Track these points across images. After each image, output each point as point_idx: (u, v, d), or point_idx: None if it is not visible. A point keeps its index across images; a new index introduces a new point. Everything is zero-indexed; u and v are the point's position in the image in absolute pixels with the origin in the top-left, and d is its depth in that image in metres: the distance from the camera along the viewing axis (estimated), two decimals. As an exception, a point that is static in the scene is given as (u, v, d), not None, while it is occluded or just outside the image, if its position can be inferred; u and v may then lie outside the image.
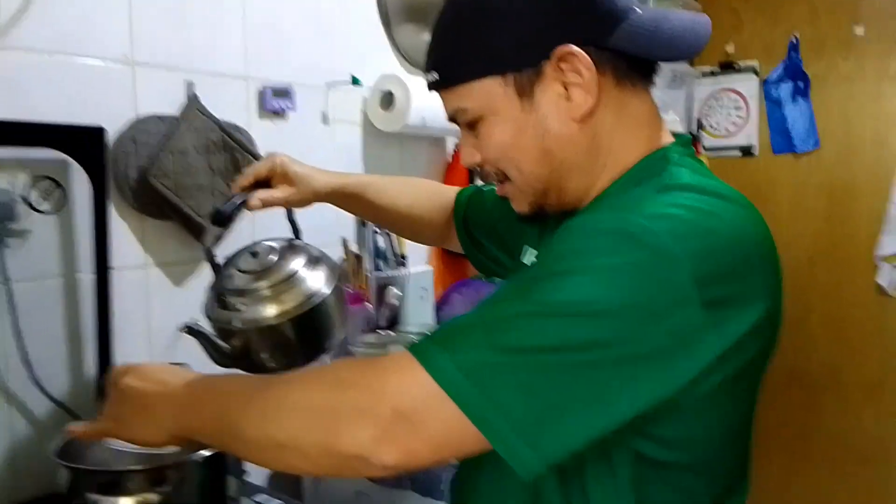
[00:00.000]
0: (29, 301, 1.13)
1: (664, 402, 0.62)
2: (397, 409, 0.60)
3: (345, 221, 1.64)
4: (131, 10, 1.26)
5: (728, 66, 2.97)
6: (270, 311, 0.90)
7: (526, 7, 0.70)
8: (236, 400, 0.71)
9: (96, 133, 1.16)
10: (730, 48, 2.94)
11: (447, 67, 0.76)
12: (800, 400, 2.87)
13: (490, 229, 1.07)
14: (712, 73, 3.01)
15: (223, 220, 0.93)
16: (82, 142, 1.15)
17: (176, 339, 1.32)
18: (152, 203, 1.28)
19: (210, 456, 0.95)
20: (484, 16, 0.72)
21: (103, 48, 1.23)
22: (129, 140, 1.24)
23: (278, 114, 1.55)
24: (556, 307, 0.60)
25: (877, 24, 2.66)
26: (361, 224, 1.72)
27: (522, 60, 0.72)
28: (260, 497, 1.20)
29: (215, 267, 0.94)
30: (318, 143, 1.65)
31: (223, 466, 1.01)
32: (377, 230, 1.74)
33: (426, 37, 0.79)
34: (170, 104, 1.32)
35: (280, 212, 1.04)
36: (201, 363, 0.90)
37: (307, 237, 1.04)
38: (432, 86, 0.79)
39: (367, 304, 1.68)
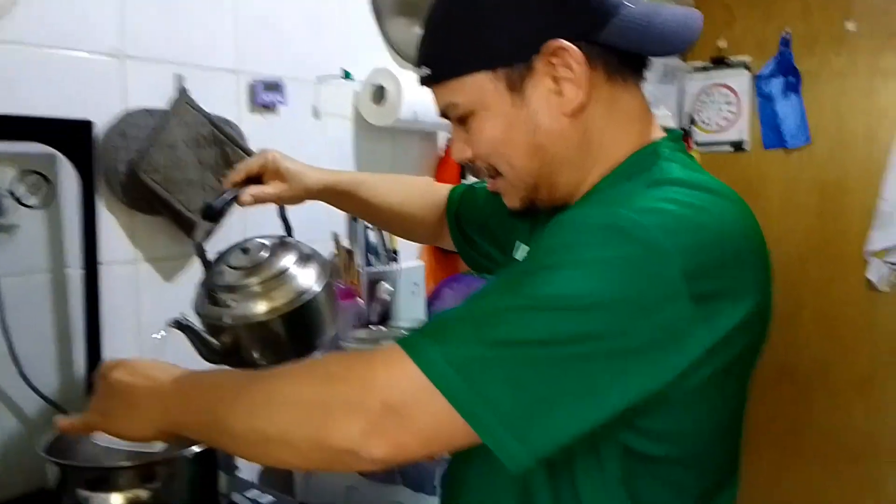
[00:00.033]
0: (17, 296, 1.12)
1: (653, 396, 0.62)
2: (387, 402, 0.60)
3: (336, 217, 1.63)
4: (121, 3, 1.25)
5: (720, 62, 2.98)
6: (260, 307, 0.90)
7: (517, 2, 0.70)
8: (224, 394, 0.71)
9: (84, 127, 1.16)
10: (722, 43, 2.94)
11: (438, 62, 0.76)
12: (790, 395, 2.89)
13: (482, 225, 1.07)
14: (704, 69, 3.01)
15: (214, 215, 0.92)
16: (70, 136, 1.14)
17: (165, 335, 1.32)
18: (142, 198, 1.27)
19: (200, 452, 0.95)
20: (475, 11, 0.72)
21: (92, 41, 1.22)
22: (118, 134, 1.23)
23: (269, 108, 1.54)
24: (545, 301, 0.60)
25: (869, 19, 2.66)
26: (353, 219, 1.72)
27: (513, 55, 0.72)
28: (251, 493, 1.20)
29: (206, 263, 0.94)
30: (309, 137, 1.65)
31: (214, 462, 1.01)
32: (368, 225, 1.73)
33: (418, 30, 0.79)
34: (159, 98, 1.31)
35: (272, 209, 1.03)
36: (191, 360, 0.89)
37: (298, 232, 1.04)
38: (423, 81, 0.79)
39: (358, 299, 1.67)
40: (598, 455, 0.69)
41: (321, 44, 1.66)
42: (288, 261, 0.93)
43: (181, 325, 0.89)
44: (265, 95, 1.50)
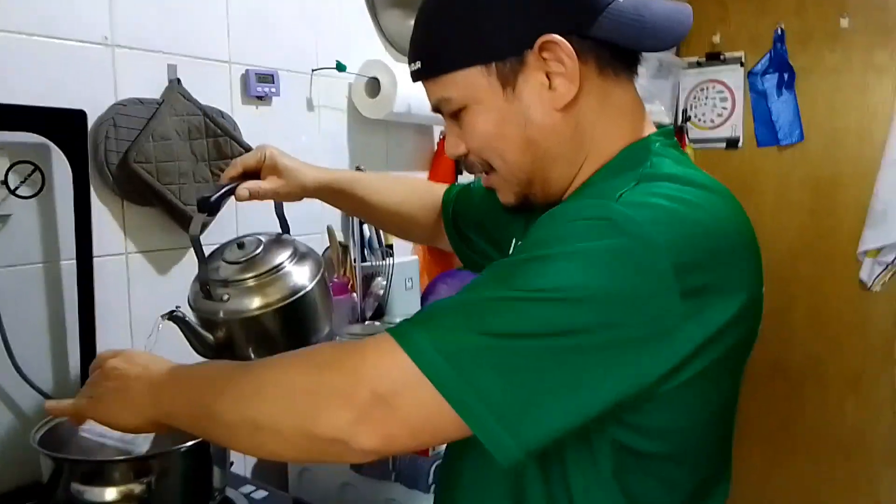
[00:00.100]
0: (9, 288, 1.11)
1: (644, 391, 0.62)
2: (376, 391, 0.60)
3: (331, 211, 1.63)
4: (113, -7, 1.24)
5: (714, 57, 2.98)
6: (254, 302, 0.90)
7: None
8: (216, 381, 0.71)
9: (77, 116, 1.15)
10: (716, 39, 2.94)
11: (431, 57, 0.76)
12: (782, 392, 2.90)
13: (478, 223, 1.07)
14: (698, 64, 3.01)
15: (210, 207, 0.92)
16: (62, 125, 1.13)
17: (158, 328, 1.31)
18: (134, 189, 1.26)
19: (194, 446, 0.95)
20: (467, 6, 0.72)
21: (83, 30, 1.21)
22: (109, 124, 1.22)
23: (262, 99, 1.53)
24: (537, 292, 0.60)
25: (863, 15, 2.66)
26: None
27: (506, 50, 0.72)
28: (245, 488, 1.20)
29: (201, 256, 0.94)
30: (303, 129, 1.64)
31: (207, 457, 1.01)
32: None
33: (412, 22, 0.79)
34: (151, 88, 1.30)
35: (268, 207, 1.03)
36: (185, 354, 0.89)
37: (293, 226, 1.04)
38: (416, 76, 0.79)
39: (352, 294, 1.67)
40: (590, 450, 0.69)
41: (315, 35, 1.65)
42: (283, 257, 0.93)
43: (175, 318, 0.89)
44: (258, 87, 1.49)
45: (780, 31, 2.81)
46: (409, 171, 1.96)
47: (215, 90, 1.43)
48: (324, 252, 1.66)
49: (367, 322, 1.69)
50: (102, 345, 1.18)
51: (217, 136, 1.36)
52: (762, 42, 2.86)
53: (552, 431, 0.60)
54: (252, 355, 0.92)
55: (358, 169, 1.76)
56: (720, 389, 0.71)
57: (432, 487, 1.28)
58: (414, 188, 1.19)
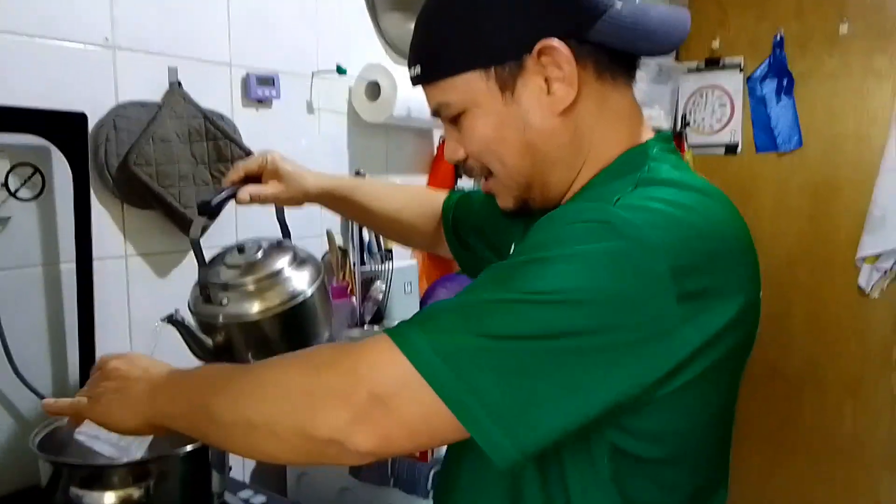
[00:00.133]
0: (8, 290, 1.11)
1: (642, 393, 0.62)
2: (373, 391, 0.60)
3: (330, 215, 1.63)
4: (113, -5, 1.25)
5: (713, 62, 2.98)
6: (254, 306, 0.89)
7: (508, 1, 0.71)
8: (214, 382, 0.71)
9: (78, 118, 1.15)
10: (715, 44, 2.95)
11: (430, 62, 0.76)
12: (780, 396, 2.90)
13: (478, 229, 1.08)
14: (698, 69, 3.02)
15: (211, 211, 0.92)
16: (63, 127, 1.13)
17: (157, 331, 1.31)
18: (134, 192, 1.26)
19: (193, 450, 0.95)
20: (466, 10, 0.72)
21: (84, 31, 1.21)
22: (109, 126, 1.22)
23: (263, 102, 1.53)
24: (535, 294, 0.60)
25: (862, 21, 2.67)
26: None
27: (504, 54, 0.72)
28: (243, 493, 1.20)
29: (201, 259, 0.93)
30: (303, 132, 1.64)
31: (206, 462, 1.01)
32: (362, 223, 1.73)
33: (412, 25, 0.79)
34: (152, 90, 1.31)
35: (267, 211, 1.03)
36: (184, 358, 0.89)
37: (293, 229, 1.03)
38: (416, 80, 0.79)
39: (352, 298, 1.67)
40: (588, 453, 0.69)
41: (316, 38, 1.65)
42: (283, 262, 0.93)
43: (174, 322, 0.89)
44: (259, 89, 1.50)
45: (779, 37, 2.81)
46: (408, 174, 1.96)
47: (216, 93, 1.43)
48: (323, 256, 1.66)
49: (366, 326, 1.69)
50: (102, 348, 1.18)
51: (217, 138, 1.36)
52: (761, 47, 2.86)
53: (549, 434, 0.60)
54: (251, 359, 0.91)
55: (358, 173, 1.76)
56: (718, 393, 0.71)
57: (430, 493, 1.28)
58: (414, 195, 1.19)
